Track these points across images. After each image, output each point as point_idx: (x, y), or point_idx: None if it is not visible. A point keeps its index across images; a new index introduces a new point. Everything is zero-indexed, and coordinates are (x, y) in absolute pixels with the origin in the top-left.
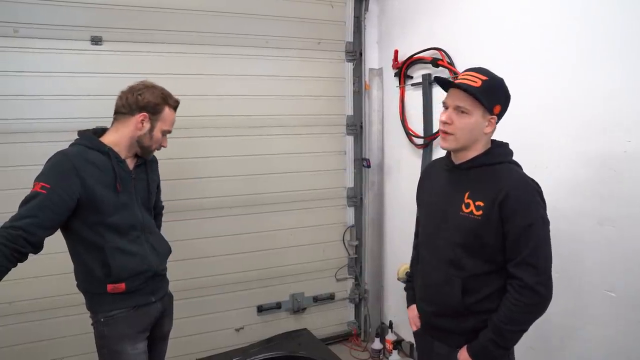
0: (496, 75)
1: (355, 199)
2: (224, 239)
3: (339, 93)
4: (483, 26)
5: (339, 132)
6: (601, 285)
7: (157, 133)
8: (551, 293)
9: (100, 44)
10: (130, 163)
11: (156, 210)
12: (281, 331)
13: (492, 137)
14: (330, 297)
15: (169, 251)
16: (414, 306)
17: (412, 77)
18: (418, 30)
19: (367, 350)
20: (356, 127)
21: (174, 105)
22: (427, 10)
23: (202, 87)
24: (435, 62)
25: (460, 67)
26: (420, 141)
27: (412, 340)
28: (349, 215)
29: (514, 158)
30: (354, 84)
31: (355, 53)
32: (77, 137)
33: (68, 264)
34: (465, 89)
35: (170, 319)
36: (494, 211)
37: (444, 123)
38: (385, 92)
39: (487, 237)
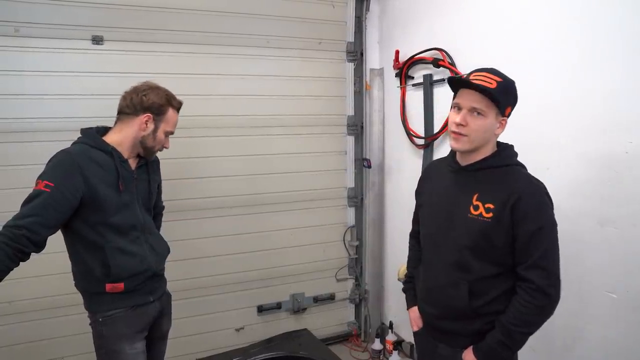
0: (507, 76)
1: (356, 199)
2: (224, 239)
3: (340, 93)
4: (484, 26)
5: (339, 132)
6: (602, 287)
7: (160, 134)
8: (560, 295)
9: (102, 44)
10: (133, 163)
11: (157, 210)
12: (281, 331)
13: None
14: (331, 298)
15: (168, 251)
16: (415, 307)
17: (413, 78)
18: (419, 30)
19: (368, 350)
20: (357, 127)
21: (178, 106)
22: (428, 11)
23: (203, 87)
24: (436, 63)
25: (461, 67)
26: (421, 141)
27: (413, 341)
28: (350, 215)
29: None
30: (354, 84)
31: (356, 53)
32: (80, 135)
33: (68, 264)
34: (483, 89)
35: (168, 319)
36: (505, 214)
37: (458, 124)
38: (386, 92)
39: (497, 239)
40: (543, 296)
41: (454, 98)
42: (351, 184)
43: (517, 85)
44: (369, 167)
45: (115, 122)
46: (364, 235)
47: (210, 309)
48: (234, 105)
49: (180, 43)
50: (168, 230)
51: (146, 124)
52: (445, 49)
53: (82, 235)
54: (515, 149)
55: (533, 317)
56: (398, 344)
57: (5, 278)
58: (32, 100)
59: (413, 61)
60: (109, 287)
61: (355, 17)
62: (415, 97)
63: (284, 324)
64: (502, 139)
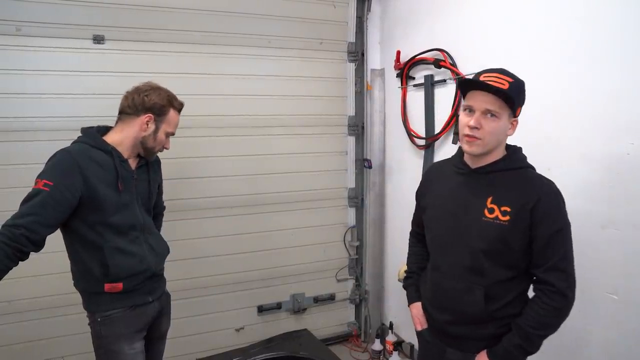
0: (517, 76)
1: (357, 199)
2: (224, 239)
3: (341, 93)
4: (485, 27)
5: (340, 132)
6: (603, 288)
7: (161, 135)
8: (575, 296)
9: (103, 43)
10: (133, 163)
11: (157, 210)
12: (281, 331)
13: None
14: (331, 298)
15: (168, 251)
16: (418, 304)
17: (414, 78)
18: (420, 31)
19: (368, 351)
20: (358, 127)
21: (179, 107)
22: (429, 11)
23: (204, 87)
24: (437, 63)
25: (462, 68)
26: (421, 142)
27: (413, 342)
28: (350, 215)
29: None
30: (355, 84)
31: (357, 53)
32: (81, 134)
33: (68, 263)
34: (497, 90)
35: (168, 318)
36: (524, 216)
37: (472, 128)
38: (387, 92)
39: (513, 242)
40: (562, 298)
41: (463, 99)
42: (352, 184)
43: None
44: (370, 167)
45: (116, 122)
46: (365, 235)
47: (210, 309)
48: (235, 105)
49: (181, 43)
50: (168, 230)
51: (147, 125)
52: (447, 50)
53: (81, 234)
54: None
55: (551, 319)
56: (398, 345)
57: (5, 277)
58: (32, 100)
59: (414, 62)
60: (107, 287)
61: (357, 17)
62: (416, 98)
63: (284, 324)
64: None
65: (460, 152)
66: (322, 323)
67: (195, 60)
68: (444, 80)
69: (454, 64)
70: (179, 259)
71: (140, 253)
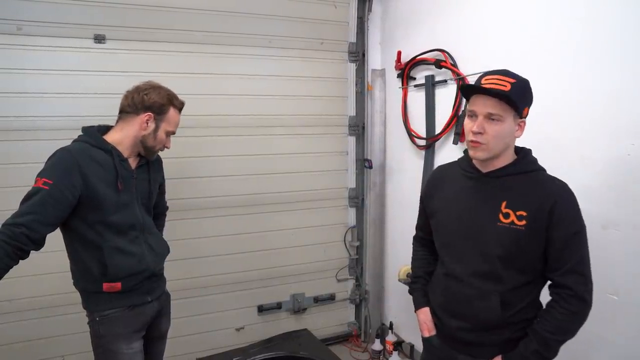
0: (520, 76)
1: (357, 199)
2: (224, 239)
3: (342, 93)
4: (486, 28)
5: (341, 132)
6: (604, 289)
7: (161, 134)
8: (592, 300)
9: (104, 43)
10: (133, 162)
11: (159, 210)
12: (281, 331)
13: None
14: (331, 298)
15: (168, 251)
16: (426, 309)
17: (415, 79)
18: (421, 31)
19: (368, 351)
20: (358, 127)
21: (179, 106)
22: (430, 12)
23: (204, 87)
24: (438, 64)
25: (463, 68)
26: (422, 142)
27: (412, 342)
28: (351, 215)
29: None
30: (356, 84)
31: (358, 54)
32: (81, 133)
33: (67, 262)
34: (497, 93)
35: (167, 318)
36: (541, 220)
37: (475, 133)
38: (387, 93)
39: (530, 247)
40: (579, 302)
41: (466, 104)
42: (352, 184)
43: None
44: (370, 167)
45: (117, 121)
46: (365, 235)
47: (210, 309)
48: (236, 104)
49: (182, 42)
50: (168, 229)
51: (147, 123)
52: (448, 50)
53: (80, 234)
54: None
55: (570, 324)
56: (398, 345)
57: (5, 276)
58: (33, 99)
59: (415, 62)
60: (106, 286)
61: (358, 17)
62: (417, 98)
63: (284, 324)
64: None
65: (468, 155)
66: (322, 323)
67: (196, 60)
68: (445, 81)
69: (454, 65)
70: (179, 258)
71: (139, 253)
